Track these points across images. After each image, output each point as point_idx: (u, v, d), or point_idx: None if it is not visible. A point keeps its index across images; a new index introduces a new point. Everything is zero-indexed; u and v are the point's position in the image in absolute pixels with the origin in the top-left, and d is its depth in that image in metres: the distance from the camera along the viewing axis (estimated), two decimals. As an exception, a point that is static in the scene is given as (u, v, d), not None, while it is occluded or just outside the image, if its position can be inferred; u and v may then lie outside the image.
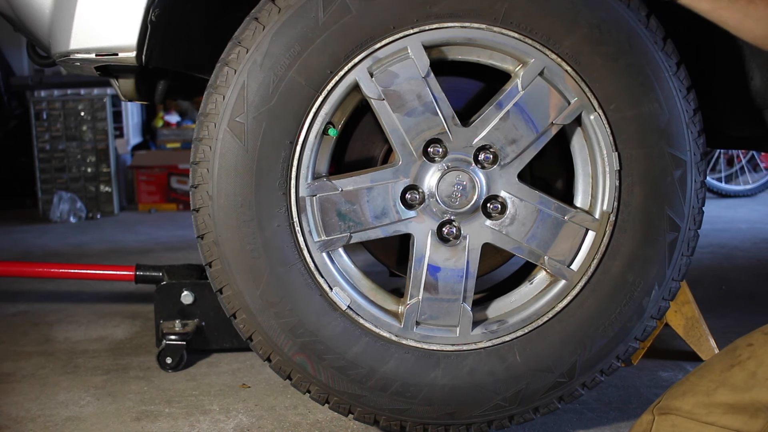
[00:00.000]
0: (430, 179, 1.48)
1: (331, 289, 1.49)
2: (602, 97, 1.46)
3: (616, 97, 1.46)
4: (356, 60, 1.43)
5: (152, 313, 2.39)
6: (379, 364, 1.50)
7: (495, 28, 1.44)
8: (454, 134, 1.47)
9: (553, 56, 1.45)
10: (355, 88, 1.45)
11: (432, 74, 1.45)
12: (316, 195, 1.47)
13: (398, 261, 1.68)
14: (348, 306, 1.50)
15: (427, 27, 1.43)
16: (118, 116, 5.81)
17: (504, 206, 1.50)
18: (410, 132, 1.46)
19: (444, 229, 1.50)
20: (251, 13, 1.44)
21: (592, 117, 1.47)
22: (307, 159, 1.46)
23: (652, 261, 1.50)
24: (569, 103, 1.47)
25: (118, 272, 2.48)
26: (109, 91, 5.45)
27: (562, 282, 1.52)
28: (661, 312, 1.53)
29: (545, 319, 1.52)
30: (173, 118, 6.32)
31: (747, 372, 1.08)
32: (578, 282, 1.51)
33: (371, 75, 1.44)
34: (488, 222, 1.51)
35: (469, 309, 1.52)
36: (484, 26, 1.44)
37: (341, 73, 1.43)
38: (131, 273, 2.42)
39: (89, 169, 5.47)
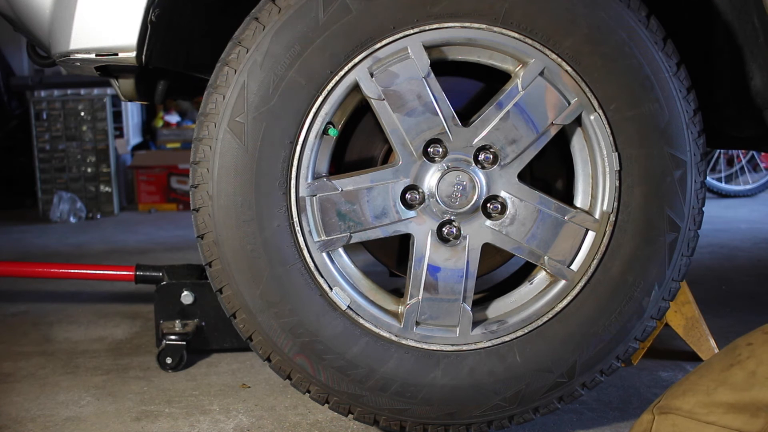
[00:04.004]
0: (430, 179, 1.48)
1: (331, 289, 1.49)
2: (602, 97, 1.46)
3: (616, 98, 1.46)
4: (356, 60, 1.43)
5: (152, 313, 2.39)
6: (379, 364, 1.50)
7: (495, 29, 1.44)
8: (454, 134, 1.47)
9: (553, 56, 1.45)
10: (356, 88, 1.45)
11: (432, 74, 1.45)
12: (316, 195, 1.47)
13: (398, 261, 1.68)
14: (348, 306, 1.50)
15: (427, 27, 1.43)
16: (118, 116, 5.81)
17: (504, 206, 1.50)
18: (410, 132, 1.46)
19: (444, 229, 1.50)
20: (251, 13, 1.44)
21: (592, 117, 1.47)
22: (307, 159, 1.46)
23: (652, 261, 1.50)
24: (569, 104, 1.47)
25: (118, 272, 2.48)
26: (109, 91, 5.46)
27: (562, 282, 1.52)
28: (661, 312, 1.53)
29: (545, 319, 1.52)
30: (173, 118, 6.33)
31: (747, 371, 1.08)
32: (578, 282, 1.51)
33: (371, 75, 1.44)
34: (488, 222, 1.51)
35: (469, 309, 1.52)
36: (484, 26, 1.44)
37: (341, 73, 1.43)
38: (131, 273, 2.42)
39: (89, 169, 5.47)
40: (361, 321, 1.50)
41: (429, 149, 1.48)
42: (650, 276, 1.50)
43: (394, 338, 1.51)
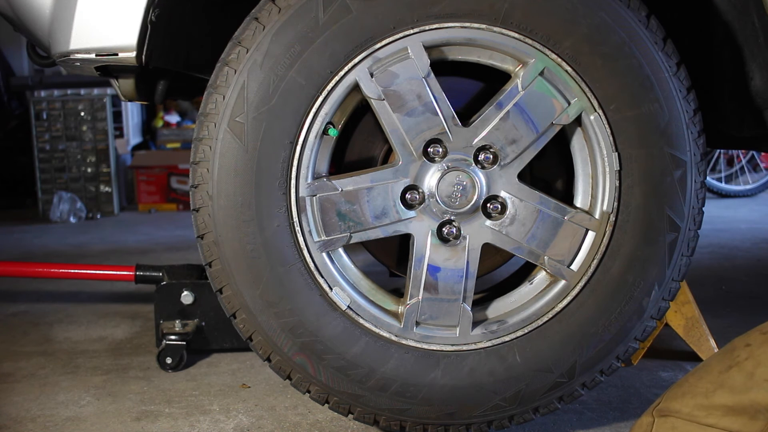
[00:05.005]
0: (430, 179, 1.48)
1: (331, 289, 1.49)
2: (602, 97, 1.46)
3: (616, 98, 1.46)
4: (356, 60, 1.43)
5: (152, 313, 2.39)
6: (379, 364, 1.50)
7: (495, 29, 1.44)
8: (454, 134, 1.47)
9: (553, 56, 1.45)
10: (355, 88, 1.45)
11: (432, 74, 1.45)
12: (316, 195, 1.47)
13: (398, 261, 1.68)
14: (348, 306, 1.50)
15: (427, 27, 1.43)
16: (118, 116, 5.81)
17: (504, 206, 1.50)
18: (410, 132, 1.46)
19: (444, 229, 1.50)
20: (251, 13, 1.44)
21: (592, 117, 1.47)
22: (307, 159, 1.46)
23: (652, 261, 1.50)
24: (569, 104, 1.47)
25: (118, 272, 2.48)
26: (109, 91, 5.46)
27: (562, 282, 1.52)
28: (661, 312, 1.53)
29: (545, 319, 1.52)
30: (173, 118, 6.33)
31: (745, 373, 1.08)
32: (578, 282, 1.51)
33: (371, 75, 1.44)
34: (488, 222, 1.51)
35: (469, 309, 1.52)
36: (484, 26, 1.44)
37: (341, 73, 1.43)
38: (131, 273, 2.42)
39: (89, 169, 5.47)
40: (361, 321, 1.50)
41: (429, 149, 1.48)
42: (650, 276, 1.50)
43: (394, 338, 1.51)
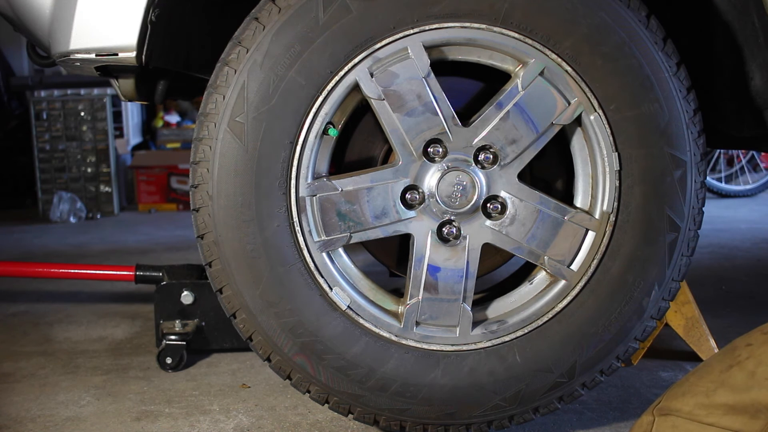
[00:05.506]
0: (430, 179, 1.48)
1: (331, 289, 1.49)
2: (602, 97, 1.46)
3: (616, 98, 1.46)
4: (356, 60, 1.43)
5: (152, 313, 2.39)
6: (379, 364, 1.50)
7: (495, 29, 1.44)
8: (454, 134, 1.47)
9: (553, 56, 1.45)
10: (356, 88, 1.45)
11: (432, 74, 1.45)
12: (316, 195, 1.47)
13: (398, 261, 1.68)
14: (348, 306, 1.50)
15: (427, 27, 1.43)
16: (118, 116, 5.82)
17: (504, 206, 1.50)
18: (410, 132, 1.46)
19: (444, 229, 1.50)
20: (251, 13, 1.44)
21: (592, 117, 1.47)
22: (307, 159, 1.46)
23: (652, 261, 1.50)
24: (569, 104, 1.47)
25: (118, 272, 2.48)
26: (109, 91, 5.46)
27: (562, 282, 1.52)
28: (661, 312, 1.53)
29: (545, 319, 1.52)
30: (173, 118, 6.33)
31: (746, 372, 1.08)
32: (578, 282, 1.51)
33: (371, 75, 1.44)
34: (488, 222, 1.51)
35: (469, 309, 1.52)
36: (484, 26, 1.44)
37: (341, 73, 1.43)
38: (131, 273, 2.42)
39: (89, 169, 5.47)
40: (361, 321, 1.50)
41: (429, 149, 1.48)
42: (650, 276, 1.50)
43: (394, 338, 1.51)
